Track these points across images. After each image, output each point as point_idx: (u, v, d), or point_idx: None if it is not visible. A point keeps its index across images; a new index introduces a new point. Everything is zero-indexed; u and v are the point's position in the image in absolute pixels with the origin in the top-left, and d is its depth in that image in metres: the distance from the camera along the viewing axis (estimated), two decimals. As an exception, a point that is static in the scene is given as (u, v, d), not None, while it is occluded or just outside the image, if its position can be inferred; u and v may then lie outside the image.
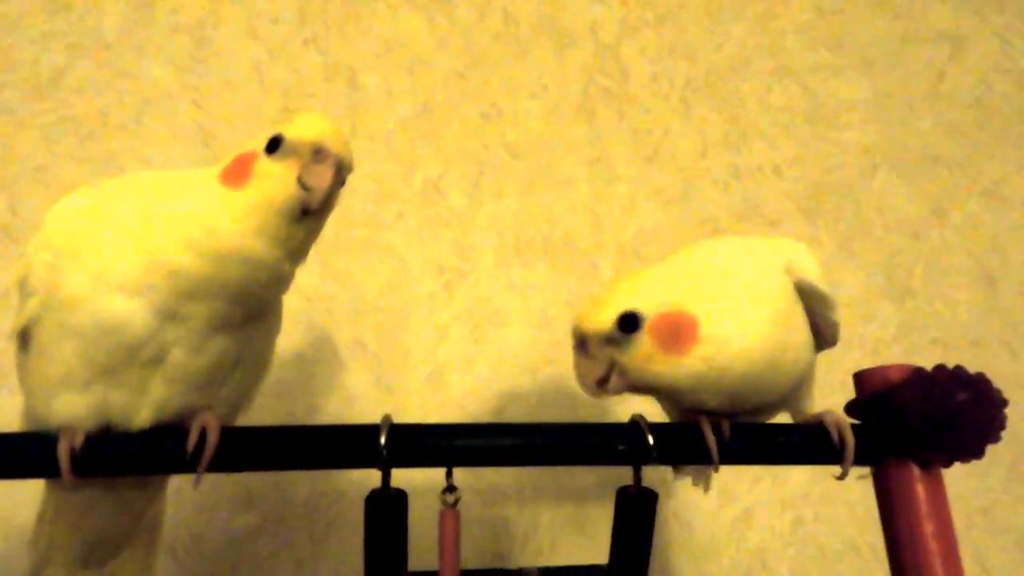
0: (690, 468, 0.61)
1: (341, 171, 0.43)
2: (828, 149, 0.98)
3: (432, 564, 0.54)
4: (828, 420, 0.48)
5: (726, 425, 0.46)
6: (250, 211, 0.41)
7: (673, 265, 0.48)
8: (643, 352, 0.44)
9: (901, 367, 0.48)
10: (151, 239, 0.41)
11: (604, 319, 0.44)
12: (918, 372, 0.47)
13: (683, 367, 0.43)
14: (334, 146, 0.42)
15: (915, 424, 0.45)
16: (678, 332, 0.43)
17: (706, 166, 0.96)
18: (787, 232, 0.93)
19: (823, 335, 0.51)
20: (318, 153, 0.41)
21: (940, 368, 0.46)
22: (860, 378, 0.50)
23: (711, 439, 0.45)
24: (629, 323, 0.44)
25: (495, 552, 0.78)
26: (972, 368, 0.47)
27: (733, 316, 0.44)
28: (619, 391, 0.46)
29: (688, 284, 0.45)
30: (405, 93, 0.95)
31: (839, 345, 0.87)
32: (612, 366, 0.45)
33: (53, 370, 0.42)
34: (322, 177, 0.41)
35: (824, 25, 1.04)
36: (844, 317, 0.51)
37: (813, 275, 0.47)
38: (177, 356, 0.42)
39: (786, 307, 0.46)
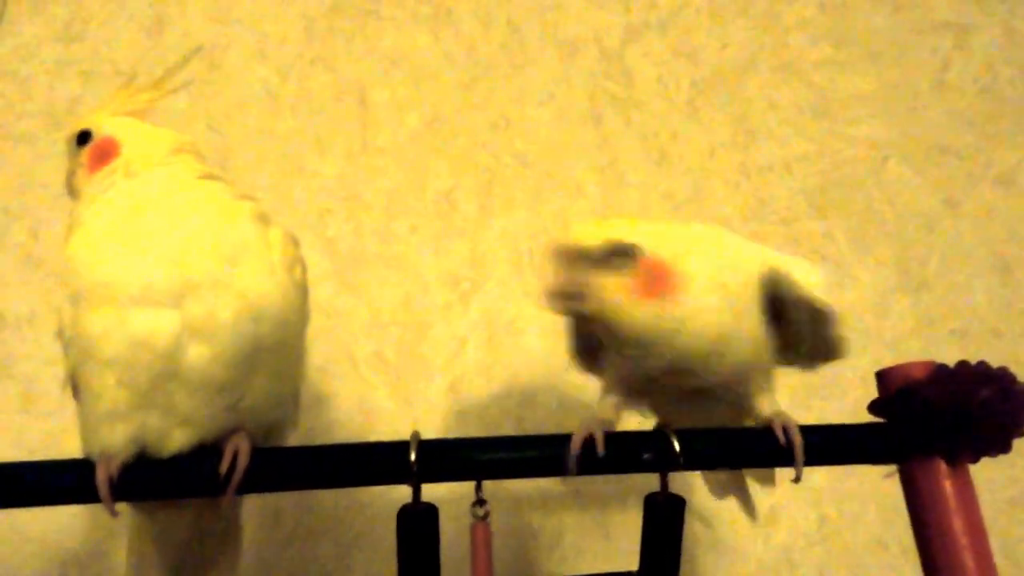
0: (735, 490, 0.62)
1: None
2: (837, 144, 0.98)
3: (459, 575, 0.55)
4: (775, 422, 0.47)
5: (600, 435, 0.46)
6: None
7: (669, 226, 0.49)
8: (620, 283, 0.45)
9: (923, 364, 0.48)
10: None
11: (600, 237, 0.45)
12: (941, 369, 0.47)
13: (643, 312, 0.44)
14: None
15: (940, 422, 0.45)
16: (659, 282, 0.44)
17: (715, 167, 0.96)
18: (799, 229, 0.94)
19: (820, 348, 0.50)
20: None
21: (963, 364, 0.46)
22: (882, 376, 0.50)
23: (575, 446, 0.45)
24: (623, 250, 0.45)
25: (521, 561, 0.78)
26: (993, 357, 0.47)
27: (701, 289, 0.45)
28: (576, 311, 0.47)
29: (677, 245, 0.47)
30: (414, 107, 0.96)
31: (856, 340, 0.88)
32: (583, 286, 0.46)
33: (100, 406, 0.43)
34: None
35: (827, 20, 1.04)
36: (860, 321, 0.51)
37: (812, 288, 0.47)
38: (193, 355, 0.42)
39: (740, 300, 0.47)
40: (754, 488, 0.81)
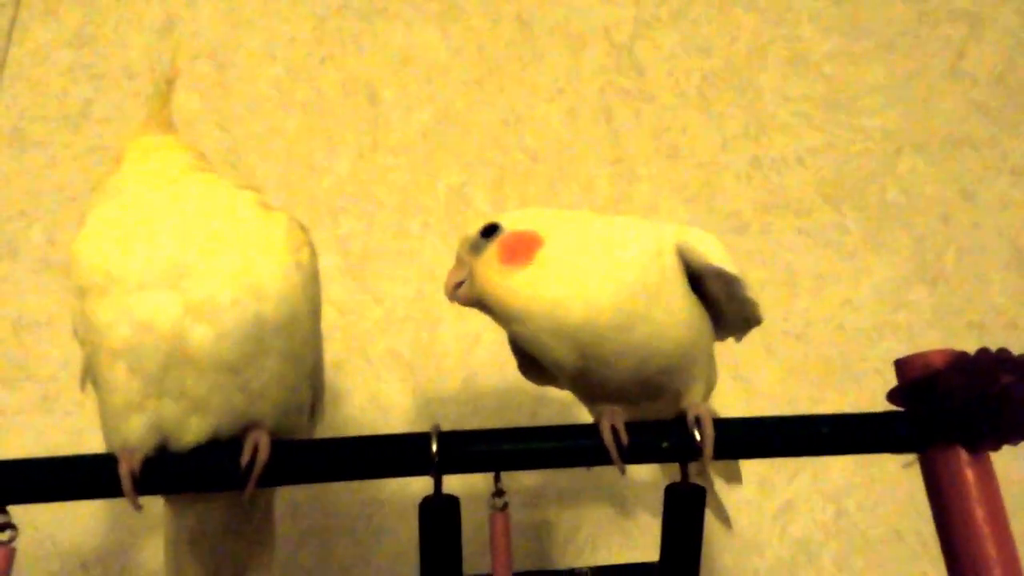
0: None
1: None
2: (850, 136, 0.98)
3: (478, 568, 0.55)
4: (689, 412, 0.46)
5: (621, 425, 0.45)
6: None
7: (568, 212, 0.49)
8: (486, 258, 0.45)
9: (943, 352, 0.47)
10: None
11: (475, 227, 0.47)
12: (960, 356, 0.46)
13: (510, 281, 0.44)
14: None
15: (960, 409, 0.45)
16: (518, 247, 0.44)
17: (727, 160, 0.96)
18: (813, 221, 0.93)
19: (739, 315, 0.49)
20: None
21: (983, 351, 0.46)
22: (901, 365, 0.50)
23: (608, 439, 0.44)
24: (488, 230, 0.46)
25: (537, 553, 0.78)
26: (1011, 349, 0.47)
27: (580, 261, 0.44)
28: (466, 300, 0.47)
29: (560, 223, 0.46)
30: (424, 104, 0.96)
31: (873, 332, 0.88)
32: (466, 274, 0.47)
33: (116, 398, 0.44)
34: None
35: (838, 11, 1.03)
36: (761, 295, 0.49)
37: (713, 256, 0.46)
38: (197, 337, 0.42)
39: (650, 281, 0.44)
40: (768, 481, 0.81)
